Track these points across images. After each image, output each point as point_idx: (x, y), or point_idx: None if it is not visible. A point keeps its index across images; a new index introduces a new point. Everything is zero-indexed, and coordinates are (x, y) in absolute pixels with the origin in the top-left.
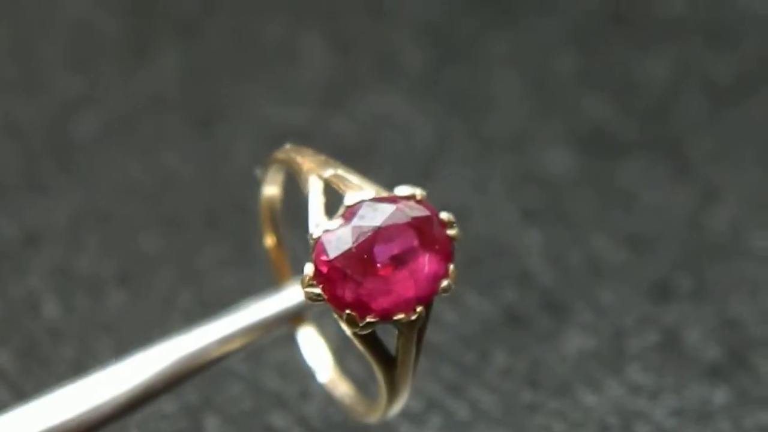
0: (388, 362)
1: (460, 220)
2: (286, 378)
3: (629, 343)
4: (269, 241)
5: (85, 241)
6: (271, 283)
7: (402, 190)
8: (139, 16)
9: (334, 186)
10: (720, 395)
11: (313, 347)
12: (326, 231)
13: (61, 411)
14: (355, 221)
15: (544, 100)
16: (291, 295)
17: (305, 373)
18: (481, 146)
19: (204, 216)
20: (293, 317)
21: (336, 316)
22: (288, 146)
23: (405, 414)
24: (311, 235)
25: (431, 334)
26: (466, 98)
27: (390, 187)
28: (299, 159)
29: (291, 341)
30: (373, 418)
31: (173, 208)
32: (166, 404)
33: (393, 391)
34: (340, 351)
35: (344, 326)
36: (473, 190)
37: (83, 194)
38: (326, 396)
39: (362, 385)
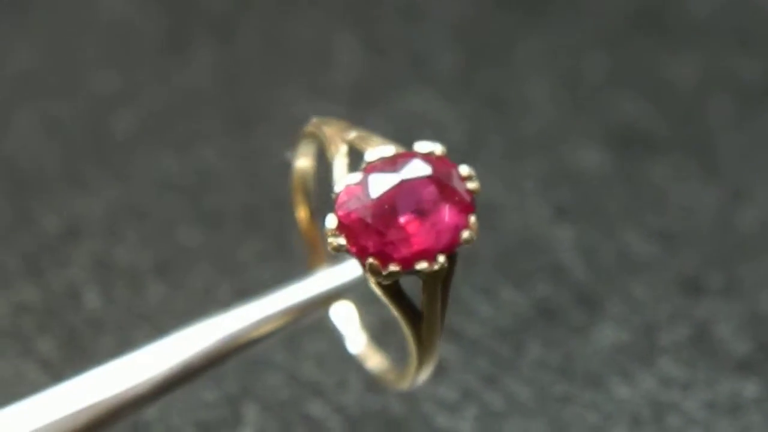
0: (415, 317)
1: (495, 216)
2: (324, 367)
3: (661, 337)
4: (302, 213)
5: (124, 234)
6: (307, 271)
7: (422, 146)
8: (176, 14)
9: (357, 146)
10: (750, 388)
11: (347, 320)
12: (348, 185)
13: (100, 389)
14: (376, 174)
15: (575, 100)
16: (329, 279)
17: (343, 363)
18: (514, 145)
19: (241, 211)
20: (331, 299)
21: (360, 266)
22: (315, 119)
23: (441, 404)
24: (334, 189)
25: (467, 327)
26: (499, 98)
27: None
28: (325, 128)
29: (328, 331)
30: (405, 383)
31: (211, 203)
32: (207, 393)
33: (421, 349)
34: (380, 337)
35: (368, 277)
36: (507, 187)
37: (122, 189)
38: (364, 385)
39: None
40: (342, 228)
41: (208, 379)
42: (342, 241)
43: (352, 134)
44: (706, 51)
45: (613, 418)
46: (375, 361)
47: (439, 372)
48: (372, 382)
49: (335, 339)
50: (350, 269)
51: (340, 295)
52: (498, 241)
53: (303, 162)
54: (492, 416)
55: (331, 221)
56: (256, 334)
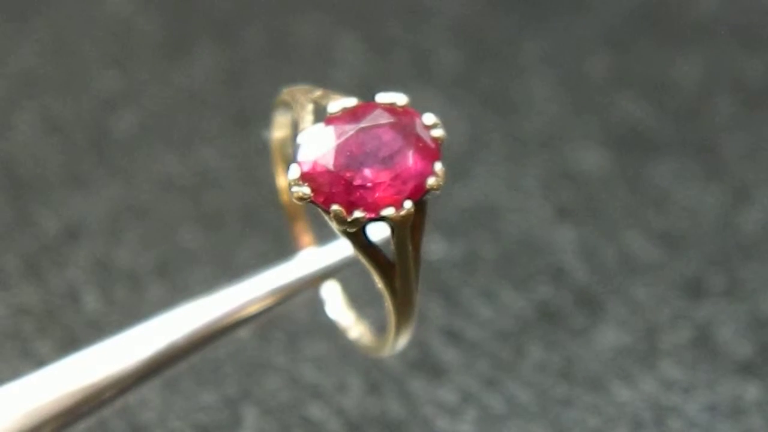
0: (387, 267)
1: (496, 217)
2: (324, 370)
3: (662, 339)
4: (282, 182)
5: (124, 235)
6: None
7: (383, 97)
8: (178, 14)
9: (321, 103)
10: (752, 391)
11: (333, 296)
12: (310, 135)
13: (85, 371)
14: (338, 123)
15: (578, 100)
16: (315, 259)
17: (343, 365)
18: (516, 145)
19: (242, 211)
20: (318, 280)
21: (324, 215)
22: (285, 89)
23: (441, 407)
24: (296, 140)
25: (468, 329)
26: (501, 97)
27: None
28: (293, 93)
29: (328, 333)
30: (387, 348)
31: (211, 204)
32: (206, 395)
33: (396, 303)
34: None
35: (333, 225)
36: (508, 187)
37: (122, 189)
38: (364, 388)
39: None
40: (305, 177)
41: (207, 381)
42: (306, 190)
43: (317, 93)
44: (709, 51)
45: (614, 421)
46: (358, 330)
47: (439, 375)
48: (372, 385)
49: (335, 341)
50: (336, 249)
51: (327, 276)
52: (498, 243)
53: (280, 132)
54: (492, 419)
55: (293, 171)
56: (242, 314)
